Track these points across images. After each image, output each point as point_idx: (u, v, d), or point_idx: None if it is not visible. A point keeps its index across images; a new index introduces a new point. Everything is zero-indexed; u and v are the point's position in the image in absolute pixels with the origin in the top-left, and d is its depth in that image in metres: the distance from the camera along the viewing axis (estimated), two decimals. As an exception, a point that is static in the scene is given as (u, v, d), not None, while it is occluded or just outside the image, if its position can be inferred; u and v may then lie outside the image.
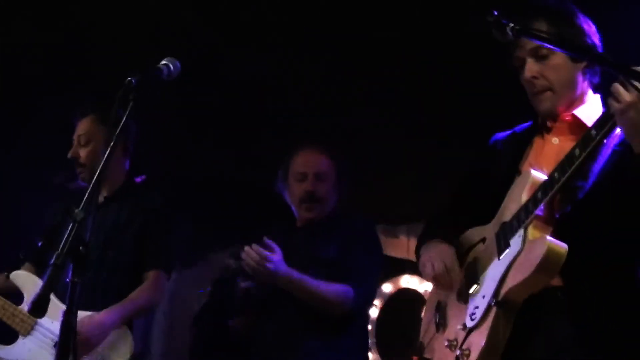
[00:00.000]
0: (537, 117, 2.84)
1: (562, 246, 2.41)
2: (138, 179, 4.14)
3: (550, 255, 2.39)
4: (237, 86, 5.28)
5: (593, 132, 2.43)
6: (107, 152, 2.42)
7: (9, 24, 4.96)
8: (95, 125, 4.02)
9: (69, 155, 4.04)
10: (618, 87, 2.33)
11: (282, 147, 4.20)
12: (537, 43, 2.67)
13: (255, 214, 5.19)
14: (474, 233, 2.83)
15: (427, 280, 2.85)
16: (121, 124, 2.44)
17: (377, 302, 6.88)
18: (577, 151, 2.45)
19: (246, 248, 3.64)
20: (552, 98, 2.72)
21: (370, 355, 6.79)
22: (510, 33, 2.46)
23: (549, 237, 2.43)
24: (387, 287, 6.93)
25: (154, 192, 4.10)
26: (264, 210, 4.80)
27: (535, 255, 2.41)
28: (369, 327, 6.79)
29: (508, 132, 2.96)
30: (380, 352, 6.85)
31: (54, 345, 3.78)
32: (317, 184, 3.96)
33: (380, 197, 6.18)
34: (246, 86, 5.27)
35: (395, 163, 5.72)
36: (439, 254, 2.81)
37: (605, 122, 2.41)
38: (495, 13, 2.48)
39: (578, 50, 2.67)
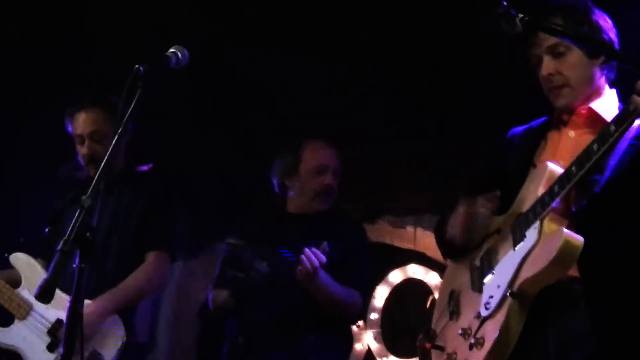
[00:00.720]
0: (552, 111, 2.85)
1: (579, 239, 2.41)
2: (145, 168, 4.12)
3: (566, 248, 2.40)
4: (240, 80, 5.28)
5: (612, 127, 2.42)
6: (115, 140, 2.43)
7: (9, 23, 4.95)
8: (106, 118, 3.94)
9: (86, 153, 3.95)
10: None
11: (287, 139, 4.21)
12: (554, 40, 2.69)
13: (259, 205, 5.18)
14: (489, 223, 2.82)
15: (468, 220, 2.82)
16: (129, 112, 2.45)
17: (384, 292, 6.90)
18: (595, 146, 2.44)
19: (307, 251, 3.58)
20: (569, 94, 2.74)
21: (375, 344, 6.84)
22: (519, 24, 2.46)
23: (565, 230, 2.43)
24: (393, 277, 6.93)
25: (155, 179, 4.07)
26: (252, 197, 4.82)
27: (551, 248, 2.42)
28: (376, 316, 6.85)
29: (525, 127, 2.98)
30: (386, 341, 6.86)
31: (47, 332, 3.78)
32: (333, 177, 4.03)
33: (387, 188, 6.18)
34: (249, 80, 5.26)
35: (403, 154, 5.72)
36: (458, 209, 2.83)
37: (625, 118, 2.40)
38: (505, 4, 2.47)
39: (591, 43, 2.67)
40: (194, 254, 6.52)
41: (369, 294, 4.12)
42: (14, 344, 3.81)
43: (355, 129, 5.50)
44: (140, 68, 2.45)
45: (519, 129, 2.99)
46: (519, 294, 2.49)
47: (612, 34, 2.76)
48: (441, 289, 3.01)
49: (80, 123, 3.99)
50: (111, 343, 3.72)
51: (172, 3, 4.81)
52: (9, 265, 3.98)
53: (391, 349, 6.79)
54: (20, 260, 3.96)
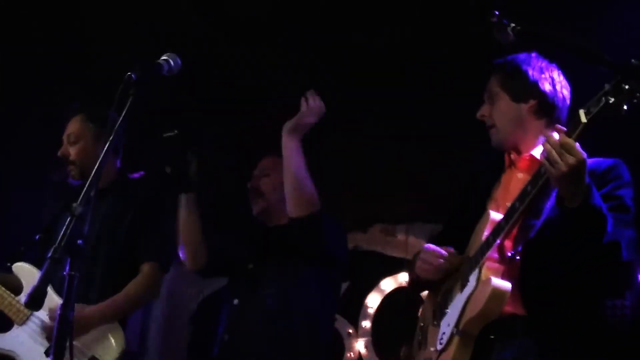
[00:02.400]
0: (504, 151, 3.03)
1: (505, 288, 2.66)
2: (136, 175, 4.13)
3: (494, 295, 2.66)
4: (237, 81, 5.28)
5: (529, 187, 2.62)
6: (106, 147, 2.43)
7: (9, 23, 4.94)
8: (83, 123, 4.06)
9: (59, 154, 4.05)
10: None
11: (279, 143, 4.20)
12: (491, 84, 2.95)
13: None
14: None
15: (427, 273, 3.00)
16: (120, 120, 2.45)
17: (375, 300, 6.90)
18: (516, 204, 2.66)
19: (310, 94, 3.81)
20: (496, 134, 2.97)
21: (366, 352, 6.84)
22: (511, 34, 2.50)
23: (493, 280, 2.67)
24: (384, 285, 6.93)
25: (148, 186, 4.09)
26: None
27: (484, 295, 2.68)
28: (367, 324, 6.85)
29: (485, 166, 3.15)
30: (377, 349, 6.86)
31: (46, 338, 3.78)
32: (260, 178, 4.09)
33: (379, 196, 6.19)
34: (246, 82, 5.27)
35: (395, 163, 5.73)
36: (429, 250, 3.00)
37: (537, 181, 2.59)
38: (497, 13, 2.50)
39: (576, 50, 2.68)
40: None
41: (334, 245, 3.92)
42: (11, 349, 3.82)
43: (347, 137, 5.51)
44: (132, 75, 2.46)
45: (480, 167, 3.17)
46: (464, 331, 2.75)
47: (544, 83, 2.88)
48: (419, 316, 3.21)
49: (66, 128, 4.11)
50: (111, 350, 3.73)
51: (169, 5, 4.82)
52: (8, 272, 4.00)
53: (382, 357, 6.79)
54: (24, 269, 3.98)
